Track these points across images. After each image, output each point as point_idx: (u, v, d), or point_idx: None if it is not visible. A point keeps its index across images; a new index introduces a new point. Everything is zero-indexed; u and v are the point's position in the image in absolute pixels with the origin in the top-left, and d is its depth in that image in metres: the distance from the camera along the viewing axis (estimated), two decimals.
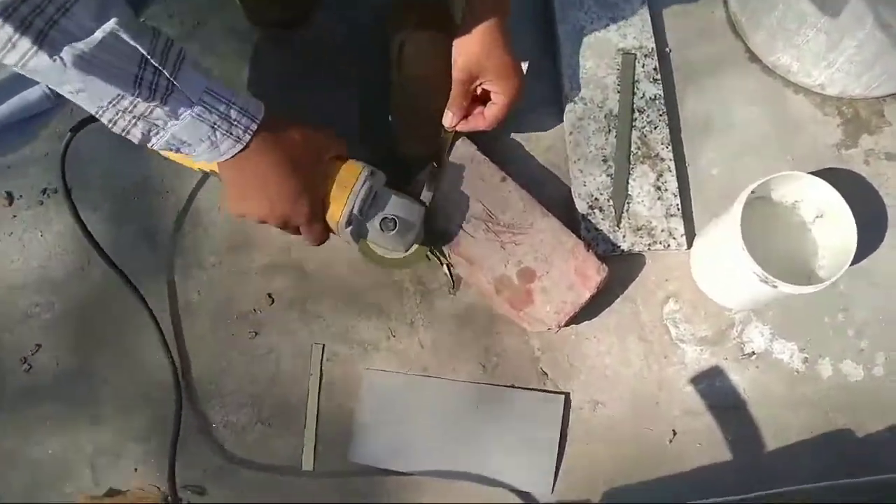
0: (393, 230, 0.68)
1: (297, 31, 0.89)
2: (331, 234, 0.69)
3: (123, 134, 0.54)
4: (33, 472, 0.78)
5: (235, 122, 0.56)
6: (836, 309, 0.81)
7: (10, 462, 0.78)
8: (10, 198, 0.86)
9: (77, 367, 0.80)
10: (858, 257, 0.75)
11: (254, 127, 0.57)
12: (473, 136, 0.80)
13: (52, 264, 0.84)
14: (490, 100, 0.74)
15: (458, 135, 0.78)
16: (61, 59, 0.47)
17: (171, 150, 0.57)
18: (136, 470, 0.77)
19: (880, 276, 0.81)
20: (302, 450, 0.77)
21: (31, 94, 0.57)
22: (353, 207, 0.65)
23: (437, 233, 0.77)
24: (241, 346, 0.80)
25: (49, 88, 0.58)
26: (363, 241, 0.72)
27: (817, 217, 0.76)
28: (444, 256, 0.80)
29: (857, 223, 0.69)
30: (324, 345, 0.80)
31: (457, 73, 0.71)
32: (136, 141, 0.55)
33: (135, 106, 0.52)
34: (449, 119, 0.75)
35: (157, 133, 0.55)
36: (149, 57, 0.50)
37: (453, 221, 0.77)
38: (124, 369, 0.80)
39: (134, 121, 0.53)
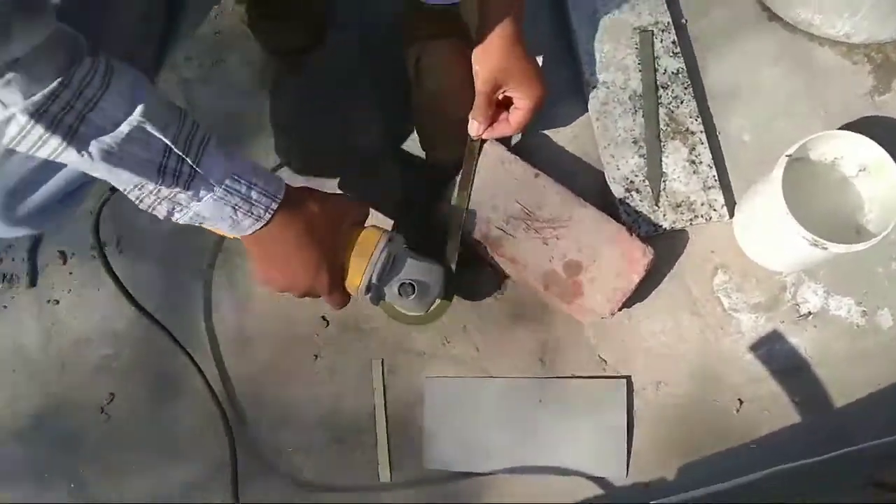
0: (412, 295, 0.68)
1: (313, 54, 0.91)
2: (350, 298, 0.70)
3: (149, 210, 0.56)
4: None
5: (256, 203, 0.57)
6: (888, 258, 0.80)
7: None
8: (63, 256, 0.89)
9: (151, 410, 0.84)
10: None
11: (274, 206, 0.59)
12: (500, 138, 0.80)
13: (113, 315, 0.87)
14: (513, 104, 0.75)
15: (483, 141, 0.79)
16: (89, 153, 0.48)
17: (194, 224, 0.59)
18: (224, 501, 0.80)
19: None
20: (377, 463, 0.79)
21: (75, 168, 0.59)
22: (371, 276, 0.66)
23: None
24: (305, 371, 0.83)
25: (91, 156, 0.59)
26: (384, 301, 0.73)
27: (860, 171, 0.75)
28: (486, 257, 0.81)
29: None
30: (382, 359, 0.82)
31: (480, 85, 0.72)
32: (161, 217, 0.56)
33: (159, 191, 0.53)
34: (475, 129, 0.76)
35: (181, 210, 0.56)
36: (173, 146, 0.52)
37: (492, 224, 0.78)
38: (196, 406, 0.83)
39: (159, 201, 0.54)
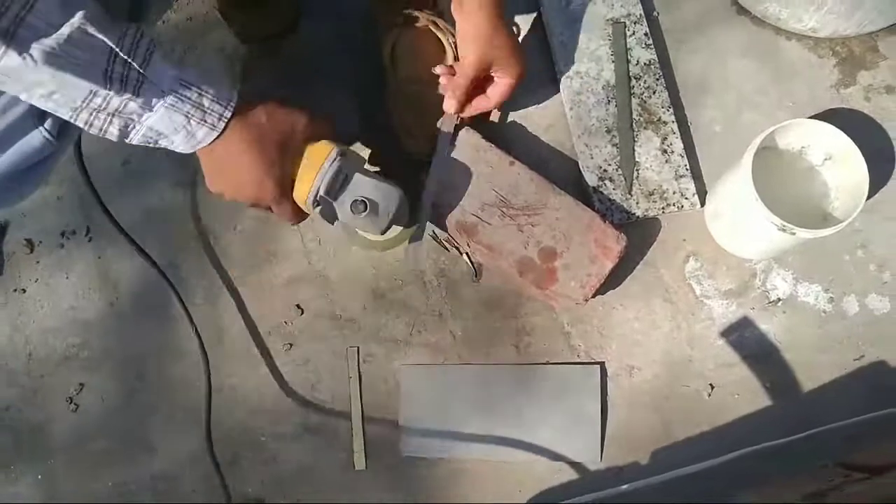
0: (364, 212, 0.67)
1: (286, 41, 0.90)
2: (307, 215, 0.69)
3: (101, 134, 0.55)
4: None
5: (209, 111, 0.57)
6: (854, 246, 0.82)
7: (72, 500, 0.80)
8: (30, 245, 0.88)
9: (122, 400, 0.82)
10: (869, 193, 0.76)
11: (227, 114, 0.58)
12: (476, 125, 0.81)
13: (82, 304, 0.86)
14: (494, 80, 0.75)
15: (460, 124, 0.79)
16: (31, 56, 0.48)
17: (149, 143, 0.58)
18: (193, 491, 0.79)
19: (893, 208, 0.82)
20: (353, 451, 0.79)
21: (31, 140, 0.57)
22: (318, 188, 0.65)
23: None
24: (279, 360, 0.82)
25: (49, 133, 0.58)
26: (346, 225, 0.71)
27: (826, 159, 0.77)
28: (461, 245, 0.81)
29: (864, 160, 0.70)
30: (358, 347, 0.82)
31: (468, 69, 0.72)
32: (113, 139, 0.55)
33: (108, 102, 0.52)
34: (452, 106, 0.76)
35: (133, 128, 0.55)
36: (118, 50, 0.51)
37: (467, 211, 0.78)
38: (168, 396, 0.82)
39: (109, 118, 0.53)
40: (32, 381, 0.84)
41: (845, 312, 0.80)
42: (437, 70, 0.76)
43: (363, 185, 0.67)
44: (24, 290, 0.86)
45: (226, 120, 0.58)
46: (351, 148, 0.70)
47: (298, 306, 0.83)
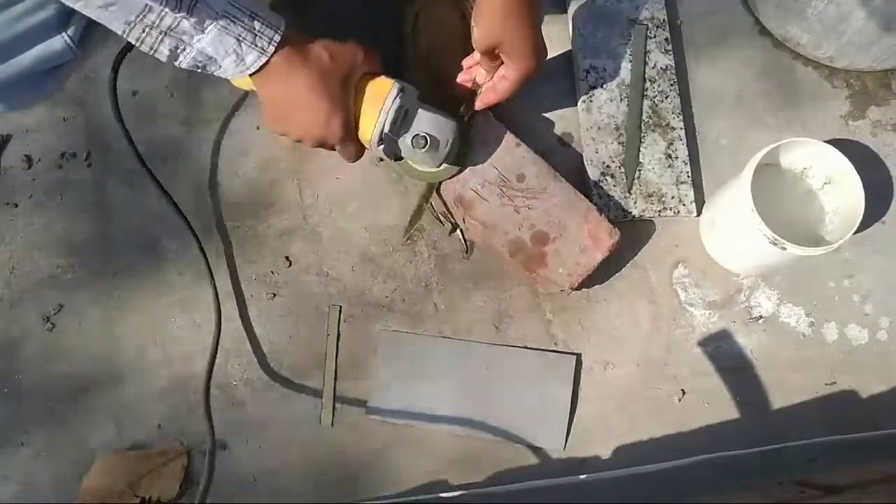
0: (424, 147, 0.68)
1: (310, 6, 0.90)
2: (366, 150, 0.70)
3: (151, 52, 0.54)
4: (59, 429, 0.80)
5: (259, 34, 0.57)
6: (841, 275, 0.83)
7: (35, 419, 0.80)
8: (29, 161, 0.88)
9: (100, 326, 0.82)
10: (863, 226, 0.77)
11: (277, 38, 0.58)
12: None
13: (72, 227, 0.85)
14: (502, 72, 0.73)
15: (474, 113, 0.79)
16: None
17: (197, 68, 0.57)
18: (159, 426, 0.79)
19: (885, 243, 0.83)
20: (321, 406, 0.79)
21: (54, 44, 0.58)
22: (383, 126, 0.65)
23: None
24: (260, 307, 0.82)
25: (70, 39, 0.58)
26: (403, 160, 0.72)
27: (825, 184, 0.78)
28: (457, 218, 0.81)
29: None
30: (341, 306, 0.82)
31: (473, 42, 0.70)
32: (163, 59, 0.55)
33: (161, 19, 0.52)
34: (461, 77, 0.75)
35: (183, 49, 0.55)
36: None
37: (467, 186, 0.78)
38: (144, 329, 0.82)
39: (161, 37, 0.53)
40: (11, 294, 0.83)
41: (824, 338, 0.81)
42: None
43: (422, 120, 0.68)
44: (16, 205, 0.86)
45: (275, 44, 0.58)
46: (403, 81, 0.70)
47: (287, 258, 0.84)
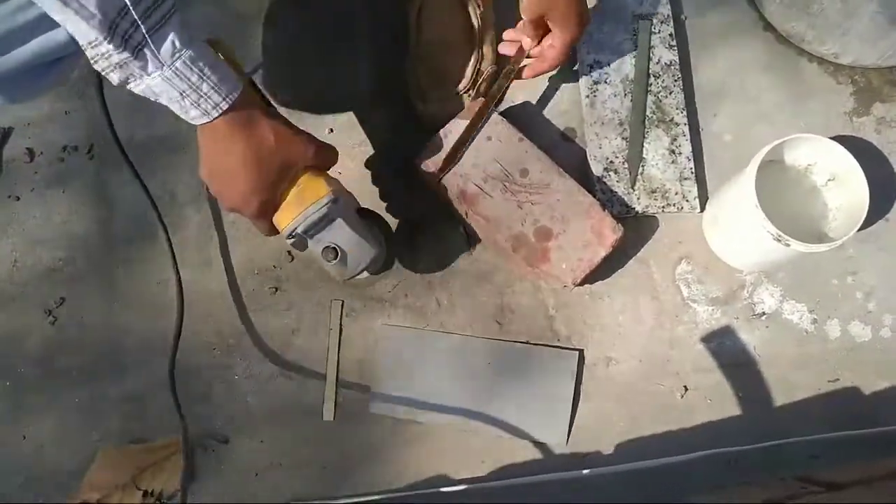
0: (332, 261, 0.66)
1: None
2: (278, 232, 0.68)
3: (104, 74, 0.54)
4: (62, 421, 0.80)
5: (205, 96, 0.56)
6: (845, 272, 0.83)
7: (38, 411, 0.80)
8: (31, 154, 0.87)
9: (100, 319, 0.82)
10: (867, 223, 0.76)
11: (223, 106, 0.57)
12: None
13: (74, 220, 0.85)
14: (549, 41, 0.75)
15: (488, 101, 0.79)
16: None
17: (149, 97, 0.57)
18: (161, 418, 0.79)
19: (889, 241, 0.83)
20: (323, 401, 0.79)
21: (55, 36, 0.57)
22: (297, 226, 0.64)
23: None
24: (262, 302, 0.82)
25: None
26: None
27: (829, 180, 0.78)
28: (460, 214, 0.81)
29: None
30: (343, 301, 0.82)
31: (522, 12, 0.72)
32: (114, 83, 0.55)
33: (109, 54, 0.51)
34: (505, 47, 0.76)
35: (134, 81, 0.54)
36: (131, 8, 0.50)
37: (470, 181, 0.78)
38: (145, 321, 0.82)
39: (112, 67, 0.53)
40: (13, 288, 0.83)
41: (827, 335, 0.81)
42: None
43: (341, 234, 0.66)
44: (17, 198, 0.86)
45: (220, 111, 0.57)
46: (347, 190, 0.69)
47: (289, 253, 0.83)
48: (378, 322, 0.81)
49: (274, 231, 0.67)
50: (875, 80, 0.89)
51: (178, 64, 0.54)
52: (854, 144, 0.85)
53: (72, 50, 0.59)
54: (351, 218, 0.68)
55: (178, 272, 0.80)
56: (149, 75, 0.54)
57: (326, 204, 0.64)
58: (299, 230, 0.64)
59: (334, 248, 0.66)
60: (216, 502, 0.77)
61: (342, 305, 0.82)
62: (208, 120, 0.57)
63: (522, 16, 0.73)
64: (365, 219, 0.72)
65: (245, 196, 0.63)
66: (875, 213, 0.83)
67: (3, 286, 0.83)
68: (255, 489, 0.77)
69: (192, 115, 0.57)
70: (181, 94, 0.55)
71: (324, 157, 0.66)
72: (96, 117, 0.87)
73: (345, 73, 0.87)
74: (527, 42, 0.78)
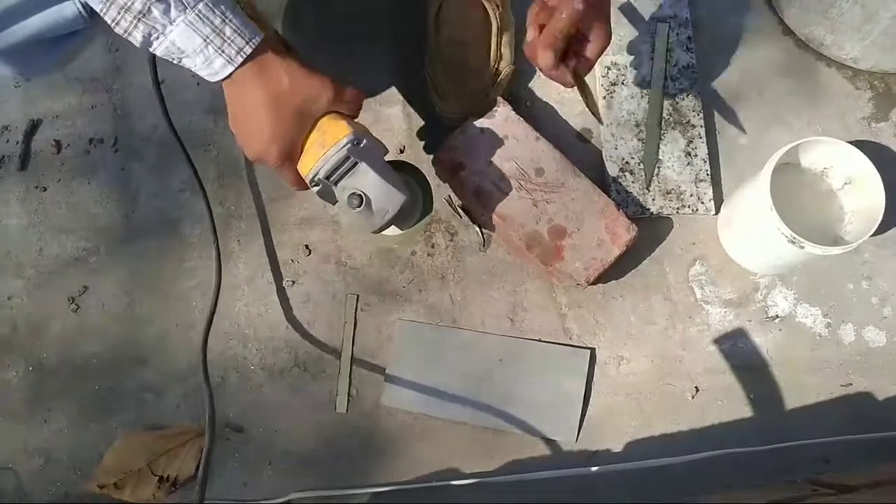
0: (358, 207, 0.63)
1: None
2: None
3: (126, 35, 0.54)
4: (81, 407, 0.81)
5: (229, 40, 0.55)
6: (859, 277, 0.82)
7: (58, 396, 0.82)
8: (58, 146, 0.90)
9: (122, 309, 0.84)
10: (883, 228, 0.76)
11: (247, 50, 0.56)
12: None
13: (99, 211, 0.87)
14: (585, 49, 0.68)
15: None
16: None
17: (172, 59, 0.56)
18: (178, 407, 0.81)
19: None
20: (336, 393, 0.80)
21: (64, 10, 0.58)
22: (319, 170, 0.62)
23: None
24: (280, 294, 0.83)
25: (82, 7, 0.57)
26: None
27: (846, 184, 0.78)
28: (474, 212, 0.82)
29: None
30: (358, 295, 0.83)
31: (562, 21, 0.64)
32: (137, 44, 0.54)
33: (133, 2, 0.51)
34: (549, 58, 0.66)
35: (156, 37, 0.54)
36: None
37: (486, 179, 0.79)
38: (166, 312, 0.83)
39: (135, 21, 0.52)
40: (38, 276, 0.85)
41: (841, 339, 0.81)
42: (529, 24, 0.69)
43: (367, 179, 0.64)
44: (44, 189, 0.88)
45: (244, 55, 0.56)
46: (375, 136, 0.66)
47: (307, 247, 0.85)
48: (393, 316, 0.82)
49: (301, 182, 0.66)
50: (894, 86, 0.88)
51: (200, 6, 0.54)
52: (872, 149, 0.85)
53: (80, 26, 0.60)
54: (377, 163, 0.64)
55: (219, 256, 0.80)
56: (172, 23, 0.53)
57: (346, 145, 0.61)
58: (321, 175, 0.62)
59: (360, 194, 0.63)
60: (217, 500, 0.78)
61: (357, 299, 0.83)
62: (233, 68, 0.56)
63: (559, 26, 0.64)
64: (398, 170, 0.68)
65: (264, 142, 0.61)
66: (892, 218, 0.82)
67: (28, 273, 0.85)
68: (268, 478, 0.79)
69: (217, 66, 0.56)
70: (205, 41, 0.54)
71: (346, 100, 0.64)
72: (122, 112, 0.90)
73: (365, 69, 0.89)
74: (550, 57, 0.68)
